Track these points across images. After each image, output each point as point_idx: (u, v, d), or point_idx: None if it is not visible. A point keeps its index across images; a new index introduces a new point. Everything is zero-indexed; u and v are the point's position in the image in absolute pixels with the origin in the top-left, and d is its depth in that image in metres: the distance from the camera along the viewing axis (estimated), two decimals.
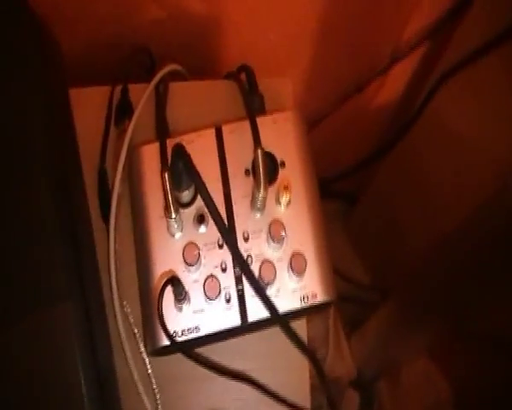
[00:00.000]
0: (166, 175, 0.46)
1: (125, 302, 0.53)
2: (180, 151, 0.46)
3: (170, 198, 0.47)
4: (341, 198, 1.37)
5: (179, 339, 0.48)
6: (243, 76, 0.58)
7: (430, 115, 0.89)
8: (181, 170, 0.46)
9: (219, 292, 0.48)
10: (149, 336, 0.50)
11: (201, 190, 0.46)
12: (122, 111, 0.57)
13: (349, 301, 1.32)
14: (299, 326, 0.55)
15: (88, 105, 0.58)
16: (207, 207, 0.47)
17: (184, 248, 0.49)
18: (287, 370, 0.55)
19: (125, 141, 0.53)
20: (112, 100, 0.57)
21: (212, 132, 0.53)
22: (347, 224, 1.37)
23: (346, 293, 1.31)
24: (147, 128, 0.57)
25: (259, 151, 0.47)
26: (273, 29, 0.78)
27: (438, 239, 0.97)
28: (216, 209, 0.47)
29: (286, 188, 0.49)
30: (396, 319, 1.18)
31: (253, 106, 0.55)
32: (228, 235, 0.48)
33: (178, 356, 0.51)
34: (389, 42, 0.89)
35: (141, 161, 0.52)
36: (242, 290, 0.50)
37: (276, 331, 0.53)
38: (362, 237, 1.34)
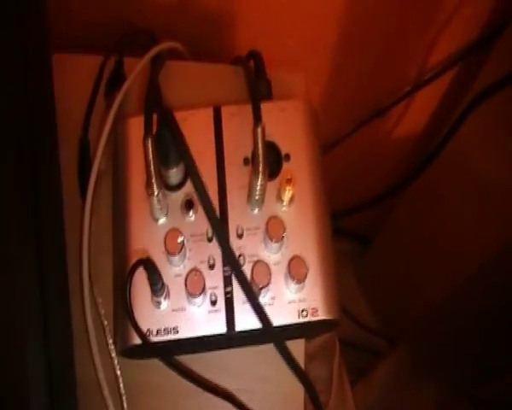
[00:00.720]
0: (149, 142, 0.40)
1: (96, 290, 0.47)
2: (167, 117, 0.40)
3: (152, 170, 0.40)
4: (353, 240, 1.31)
5: (153, 339, 0.41)
6: (252, 65, 0.53)
7: (453, 150, 0.84)
8: (168, 141, 0.40)
9: (203, 289, 0.42)
10: (120, 332, 0.43)
11: (189, 164, 0.40)
12: (114, 82, 0.52)
13: (355, 347, 1.25)
14: (296, 348, 0.47)
15: (78, 73, 0.54)
16: (195, 187, 0.41)
17: (167, 234, 0.42)
18: (277, 396, 0.49)
19: (112, 110, 0.48)
20: (103, 68, 0.53)
21: (209, 112, 0.47)
22: (358, 267, 1.31)
23: (353, 338, 1.25)
24: (138, 104, 0.52)
25: (259, 129, 0.41)
26: (290, 35, 0.73)
27: (454, 287, 0.90)
28: (205, 191, 0.41)
29: (289, 181, 0.43)
30: (403, 370, 1.13)
31: (259, 90, 0.49)
32: (218, 224, 0.42)
33: (154, 362, 0.44)
34: (414, 65, 0.84)
35: (126, 134, 0.47)
36: (231, 294, 0.43)
37: (267, 350, 0.46)
38: (373, 281, 1.29)
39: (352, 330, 1.25)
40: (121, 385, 0.45)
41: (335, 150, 0.95)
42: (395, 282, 1.16)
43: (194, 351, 0.46)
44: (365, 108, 0.89)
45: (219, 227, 0.42)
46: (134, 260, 0.42)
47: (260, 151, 0.41)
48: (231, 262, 0.42)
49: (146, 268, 0.40)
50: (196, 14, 0.67)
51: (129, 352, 0.43)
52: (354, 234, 1.30)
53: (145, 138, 0.40)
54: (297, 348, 0.47)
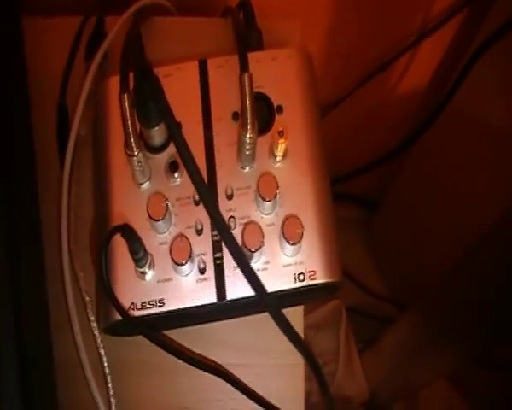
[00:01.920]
0: (126, 97, 0.36)
1: (77, 265, 0.44)
2: (145, 69, 0.35)
3: (130, 128, 0.36)
4: (359, 204, 1.27)
5: (136, 313, 0.38)
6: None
7: (461, 100, 0.80)
8: (147, 97, 0.36)
9: (190, 256, 0.38)
10: (102, 308, 0.40)
11: (168, 120, 0.36)
12: (94, 43, 0.47)
13: (363, 314, 1.23)
14: (295, 317, 0.44)
15: (56, 36, 0.50)
16: (175, 144, 0.36)
17: (149, 199, 0.39)
18: (276, 369, 0.45)
19: (90, 70, 0.44)
20: (83, 29, 0.48)
21: (194, 66, 0.43)
22: (366, 232, 1.28)
23: (361, 306, 1.23)
24: None
25: (246, 77, 0.37)
26: None
27: (466, 247, 0.86)
28: (187, 148, 0.36)
29: (281, 134, 0.39)
30: (414, 336, 1.10)
31: (246, 39, 0.45)
32: (201, 183, 0.37)
33: (141, 338, 0.40)
34: (418, 13, 0.80)
35: (107, 94, 0.43)
36: (221, 260, 0.40)
37: (264, 320, 0.42)
38: (381, 246, 1.25)
39: (360, 298, 1.23)
40: (105, 365, 0.42)
41: (336, 110, 0.91)
42: (404, 246, 1.13)
43: (184, 325, 0.43)
44: (367, 62, 0.85)
45: (202, 183, 0.37)
46: None
47: (248, 101, 0.37)
48: (218, 223, 0.38)
49: (124, 235, 0.36)
50: None
51: (112, 329, 0.40)
52: (360, 199, 1.27)
53: (121, 93, 0.36)
54: (295, 316, 0.44)
